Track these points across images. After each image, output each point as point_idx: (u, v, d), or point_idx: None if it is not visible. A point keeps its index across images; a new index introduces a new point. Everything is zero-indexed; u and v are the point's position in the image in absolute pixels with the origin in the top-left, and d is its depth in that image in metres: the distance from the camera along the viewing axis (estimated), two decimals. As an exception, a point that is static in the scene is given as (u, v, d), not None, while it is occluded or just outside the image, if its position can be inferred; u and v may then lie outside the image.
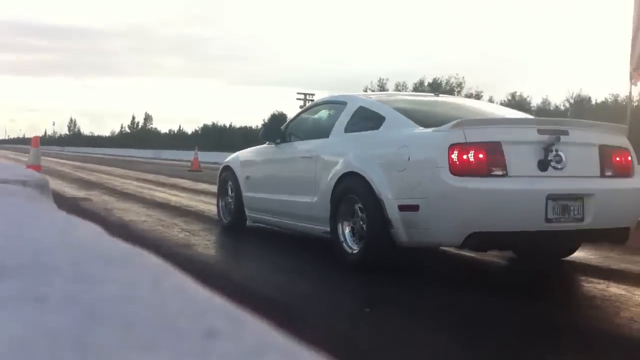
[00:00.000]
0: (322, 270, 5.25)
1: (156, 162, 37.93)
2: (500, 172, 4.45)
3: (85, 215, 7.52)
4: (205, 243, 6.45)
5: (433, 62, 79.73)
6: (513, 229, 4.46)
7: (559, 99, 44.74)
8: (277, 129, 6.84)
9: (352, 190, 5.07)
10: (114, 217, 8.20)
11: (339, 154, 5.42)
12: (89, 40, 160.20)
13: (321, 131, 6.05)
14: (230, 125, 77.28)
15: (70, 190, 12.55)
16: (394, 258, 4.97)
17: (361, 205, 4.94)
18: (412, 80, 49.63)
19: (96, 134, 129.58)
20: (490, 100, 43.71)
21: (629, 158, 5.00)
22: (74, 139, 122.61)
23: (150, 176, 19.43)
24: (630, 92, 11.71)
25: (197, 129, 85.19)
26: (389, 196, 4.68)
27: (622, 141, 5.06)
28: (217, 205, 7.79)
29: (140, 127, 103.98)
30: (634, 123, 10.59)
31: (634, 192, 4.92)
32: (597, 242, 5.51)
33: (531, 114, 36.53)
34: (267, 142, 6.91)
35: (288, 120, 7.15)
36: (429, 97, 6.83)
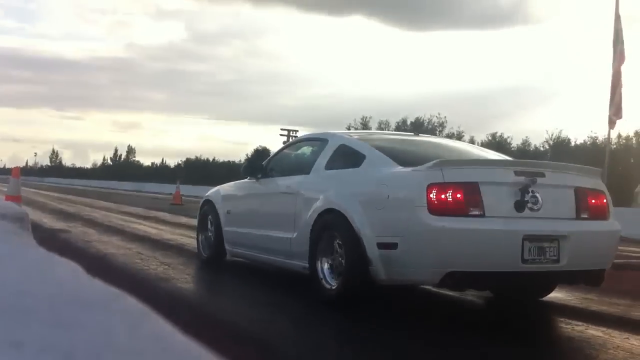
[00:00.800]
0: (300, 306, 5.24)
1: (138, 195, 37.72)
2: (477, 212, 4.49)
3: (64, 248, 7.45)
4: (184, 277, 6.39)
5: (415, 102, 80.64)
6: (490, 269, 4.52)
7: (539, 140, 45.34)
8: (259, 164, 6.86)
9: (331, 227, 5.08)
10: (93, 250, 8.12)
11: (320, 190, 5.45)
12: (73, 73, 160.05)
13: (302, 168, 6.07)
14: (214, 159, 77.32)
15: (49, 222, 12.43)
16: (373, 295, 4.95)
17: (340, 242, 4.95)
18: (394, 119, 49.89)
19: (78, 165, 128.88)
20: (471, 141, 44.18)
21: (604, 200, 5.05)
22: (56, 170, 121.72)
23: (132, 209, 19.30)
24: (608, 136, 11.96)
25: (180, 162, 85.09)
26: (368, 233, 4.69)
27: (598, 183, 5.14)
28: (197, 239, 7.76)
29: (122, 159, 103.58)
30: (612, 165, 10.75)
31: (609, 235, 4.98)
32: (573, 283, 5.53)
33: (511, 154, 36.90)
34: (249, 177, 6.92)
35: (270, 156, 7.18)
36: (409, 137, 6.93)
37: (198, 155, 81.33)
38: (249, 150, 70.05)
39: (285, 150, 7.09)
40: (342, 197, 5.14)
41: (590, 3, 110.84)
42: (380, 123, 49.04)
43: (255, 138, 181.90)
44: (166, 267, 6.88)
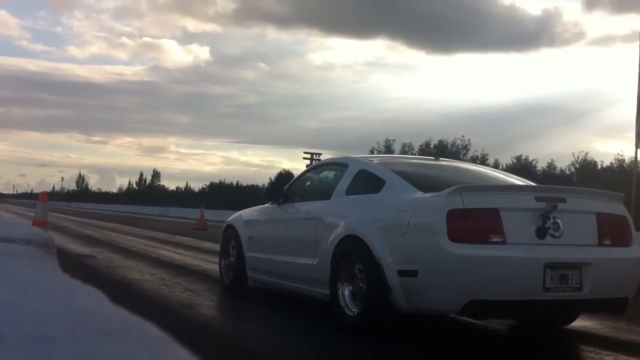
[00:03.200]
0: (322, 332, 5.20)
1: (162, 220, 37.95)
2: (498, 239, 4.41)
3: (88, 274, 7.51)
4: (208, 304, 6.39)
5: (439, 124, 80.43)
6: (511, 298, 4.42)
7: (564, 163, 44.85)
8: (279, 189, 6.88)
9: (352, 253, 5.03)
10: (117, 276, 8.17)
11: (340, 216, 5.42)
12: (99, 97, 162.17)
13: (323, 193, 6.06)
14: (237, 184, 77.54)
15: (75, 247, 12.55)
16: (394, 322, 4.90)
17: (361, 268, 4.89)
18: (418, 141, 49.74)
19: (104, 190, 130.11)
20: (496, 164, 43.89)
21: (627, 226, 4.94)
22: (82, 194, 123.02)
23: (156, 234, 19.41)
24: (635, 157, 11.74)
25: (204, 186, 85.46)
26: (389, 261, 4.64)
27: (620, 209, 5.02)
28: (220, 265, 7.67)
29: (147, 184, 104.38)
30: (639, 187, 10.56)
31: (632, 262, 4.85)
32: (596, 312, 5.40)
33: (536, 178, 36.41)
34: (270, 202, 6.90)
35: (291, 181, 7.15)
36: (430, 161, 6.90)
37: (222, 180, 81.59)
38: (273, 173, 70.27)
39: (306, 175, 7.05)
40: (362, 223, 5.08)
41: (617, 25, 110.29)
42: (403, 146, 48.90)
43: (278, 161, 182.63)
44: (190, 293, 6.88)
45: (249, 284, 7.15)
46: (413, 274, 4.48)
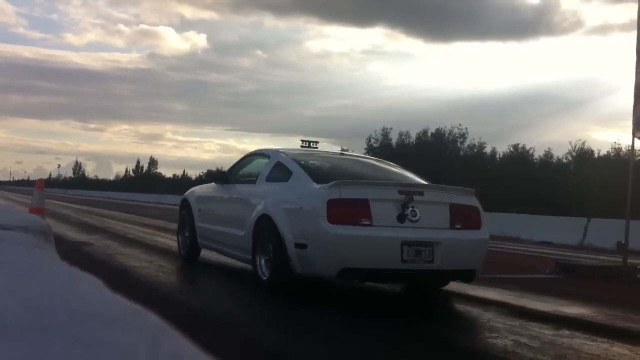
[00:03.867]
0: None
1: (160, 207, 37.94)
2: (366, 222, 5.57)
3: (86, 261, 7.51)
4: (205, 290, 6.41)
5: (436, 113, 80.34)
6: (375, 267, 5.61)
7: (562, 151, 44.84)
8: (223, 172, 8.31)
9: (265, 230, 6.17)
10: (115, 263, 8.17)
11: (260, 198, 6.58)
12: (96, 84, 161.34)
13: (250, 178, 7.36)
14: (235, 171, 77.48)
15: (72, 234, 12.54)
16: (297, 283, 5.97)
17: (271, 241, 6.03)
18: (415, 129, 49.74)
19: (101, 177, 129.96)
20: (493, 152, 43.93)
21: (477, 214, 6.15)
22: (79, 181, 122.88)
23: (153, 221, 19.42)
24: (632, 145, 11.76)
25: (201, 174, 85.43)
26: (289, 236, 5.79)
27: (472, 200, 6.22)
28: (177, 239, 8.86)
29: (144, 171, 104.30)
30: (636, 176, 10.60)
31: (479, 242, 6.09)
32: (447, 280, 6.50)
33: (534, 166, 36.37)
34: (215, 182, 8.27)
35: (231, 166, 8.32)
36: (335, 156, 8.22)
37: (219, 167, 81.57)
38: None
39: (242, 162, 8.14)
40: (273, 205, 6.23)
41: (615, 13, 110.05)
42: (400, 134, 48.88)
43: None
44: (189, 281, 6.90)
45: (201, 253, 8.35)
46: (304, 247, 5.66)
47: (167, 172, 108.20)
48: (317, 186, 5.89)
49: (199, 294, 6.19)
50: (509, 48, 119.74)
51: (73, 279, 1.53)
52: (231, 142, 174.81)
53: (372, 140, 48.60)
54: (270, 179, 6.86)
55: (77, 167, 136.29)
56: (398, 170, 7.49)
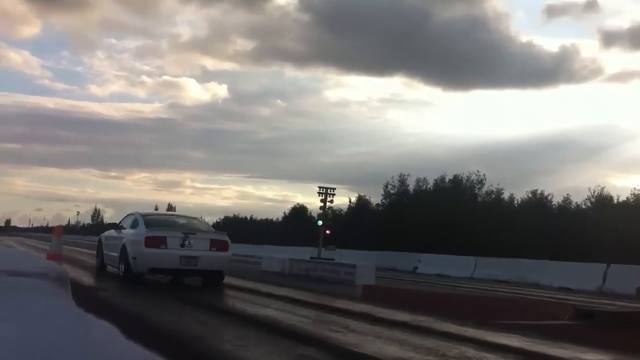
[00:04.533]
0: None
1: (176, 253, 37.87)
2: (163, 247, 11.71)
3: (102, 307, 7.51)
4: (219, 336, 6.37)
5: (454, 159, 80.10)
6: (167, 267, 11.88)
7: (580, 197, 44.44)
8: (116, 224, 14.42)
9: (123, 251, 12.30)
10: (131, 309, 8.17)
11: (125, 236, 12.70)
12: (117, 133, 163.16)
13: (125, 226, 13.50)
14: (252, 217, 77.68)
15: (89, 280, 12.57)
16: (135, 275, 11.93)
17: (126, 256, 12.05)
18: (433, 176, 49.61)
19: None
20: (511, 198, 43.67)
21: (226, 243, 12.26)
22: (97, 228, 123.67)
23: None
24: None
25: (219, 220, 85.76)
26: (132, 254, 11.85)
27: (224, 237, 12.56)
28: (96, 260, 15.31)
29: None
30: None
31: (224, 257, 12.13)
32: (208, 277, 12.30)
33: (552, 212, 36.01)
34: (114, 229, 14.13)
35: (121, 219, 14.36)
36: (167, 215, 17.26)
37: (237, 214, 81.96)
38: (287, 208, 70.33)
39: (125, 218, 14.14)
40: (127, 239, 12.38)
41: (634, 61, 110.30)
42: (418, 180, 48.84)
43: (293, 195, 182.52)
44: (201, 325, 6.87)
45: (107, 269, 14.25)
46: (135, 258, 11.77)
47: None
48: (145, 230, 12.15)
49: (217, 339, 6.14)
50: (528, 95, 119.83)
51: (88, 325, 1.55)
52: (249, 188, 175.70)
53: (390, 187, 48.66)
54: (131, 227, 13.00)
55: (96, 213, 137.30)
56: (196, 222, 14.24)
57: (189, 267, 11.43)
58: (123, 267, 11.94)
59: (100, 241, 14.77)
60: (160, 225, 12.35)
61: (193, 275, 12.14)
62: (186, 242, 11.41)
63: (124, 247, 12.02)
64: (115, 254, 12.60)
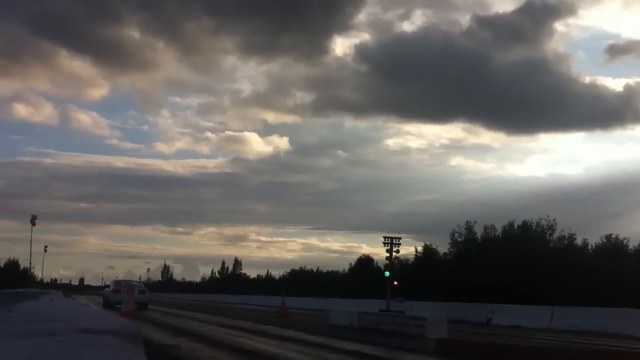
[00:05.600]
0: None
1: (245, 308, 38.05)
2: (119, 293, 27.74)
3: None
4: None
5: (522, 205, 78.23)
6: (120, 302, 25.29)
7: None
8: (107, 285, 38.75)
9: (106, 298, 32.02)
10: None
11: (106, 292, 33.83)
12: (183, 189, 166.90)
13: (109, 286, 35.07)
14: (317, 270, 77.35)
15: (160, 337, 12.65)
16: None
17: (106, 298, 31.99)
18: (501, 223, 48.42)
19: (188, 279, 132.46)
20: (584, 244, 42.20)
21: (145, 290, 32.69)
22: (167, 284, 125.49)
23: (238, 322, 19.40)
24: None
25: (285, 273, 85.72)
26: (109, 296, 30.92)
27: (144, 288, 33.92)
28: (103, 302, 31.18)
29: (229, 272, 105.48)
30: None
31: (146, 297, 31.52)
32: (140, 306, 27.15)
33: (629, 257, 34.51)
34: (108, 288, 32.86)
35: (110, 283, 36.44)
36: (125, 280, 42.02)
37: (302, 266, 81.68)
38: (353, 259, 69.44)
39: (112, 282, 35.03)
40: (105, 292, 34.41)
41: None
42: (485, 227, 47.70)
43: (358, 246, 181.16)
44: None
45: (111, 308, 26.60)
46: (106, 298, 31.65)
47: (252, 273, 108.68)
48: (111, 288, 31.64)
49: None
50: (595, 137, 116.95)
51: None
52: (313, 240, 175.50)
53: (456, 235, 47.70)
54: (113, 290, 30.29)
55: (165, 270, 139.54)
56: (136, 282, 37.76)
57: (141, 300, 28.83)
58: (105, 304, 29.14)
59: (104, 293, 33.36)
60: (119, 285, 29.18)
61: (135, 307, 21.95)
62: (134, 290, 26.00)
63: (106, 293, 31.50)
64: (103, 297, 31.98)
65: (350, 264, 64.72)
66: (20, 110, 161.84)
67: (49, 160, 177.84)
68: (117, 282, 32.77)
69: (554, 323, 23.23)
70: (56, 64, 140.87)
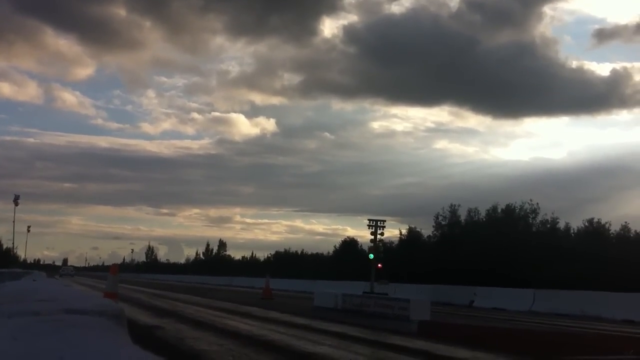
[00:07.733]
0: None
1: (229, 290, 38.14)
2: (64, 272, 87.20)
3: (158, 345, 7.53)
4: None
5: (506, 188, 78.56)
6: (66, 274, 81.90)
7: (639, 225, 42.93)
8: (60, 266, 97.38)
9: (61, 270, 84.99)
10: (186, 347, 8.17)
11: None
12: (168, 171, 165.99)
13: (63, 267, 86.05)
14: (302, 252, 77.53)
15: (144, 318, 12.67)
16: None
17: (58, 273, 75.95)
18: (485, 206, 48.67)
19: (172, 260, 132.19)
20: (566, 227, 42.58)
21: (74, 269, 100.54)
22: (151, 265, 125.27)
23: (223, 304, 19.46)
24: None
25: (270, 255, 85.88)
26: (61, 273, 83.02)
27: (73, 269, 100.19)
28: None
29: (214, 254, 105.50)
30: None
31: (74, 272, 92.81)
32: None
33: (610, 241, 34.98)
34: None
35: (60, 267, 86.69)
36: (65, 266, 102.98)
37: (287, 248, 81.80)
38: (337, 241, 69.76)
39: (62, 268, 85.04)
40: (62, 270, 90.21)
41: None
42: (469, 211, 47.98)
43: (342, 229, 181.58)
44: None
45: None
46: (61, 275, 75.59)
47: (236, 254, 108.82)
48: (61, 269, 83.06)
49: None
50: (580, 122, 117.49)
51: (145, 364, 1.52)
52: (298, 222, 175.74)
53: (440, 218, 47.95)
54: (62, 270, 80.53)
55: (150, 251, 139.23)
56: (71, 266, 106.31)
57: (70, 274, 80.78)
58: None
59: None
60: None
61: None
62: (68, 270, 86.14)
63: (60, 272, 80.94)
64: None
65: (335, 247, 64.94)
66: (4, 88, 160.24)
67: (32, 140, 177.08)
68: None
69: (536, 306, 23.50)
70: (41, 42, 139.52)
